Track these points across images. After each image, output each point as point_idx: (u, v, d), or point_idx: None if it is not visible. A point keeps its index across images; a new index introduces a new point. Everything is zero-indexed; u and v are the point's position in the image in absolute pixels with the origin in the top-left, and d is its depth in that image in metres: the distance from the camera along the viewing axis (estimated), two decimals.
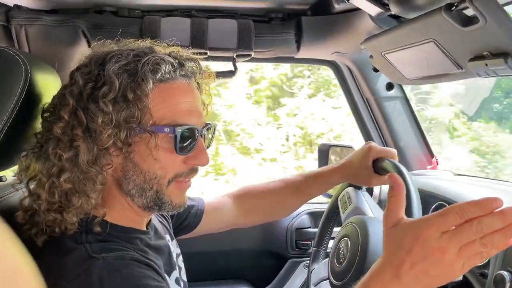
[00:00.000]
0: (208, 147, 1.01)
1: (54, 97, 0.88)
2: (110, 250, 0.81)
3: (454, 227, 0.67)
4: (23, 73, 0.85)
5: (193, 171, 0.94)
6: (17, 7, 1.26)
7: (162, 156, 0.88)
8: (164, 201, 0.92)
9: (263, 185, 1.36)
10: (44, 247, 0.85)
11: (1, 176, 1.04)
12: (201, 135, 0.93)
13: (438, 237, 0.67)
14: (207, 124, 0.97)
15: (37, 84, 0.88)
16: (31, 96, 0.87)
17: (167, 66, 0.87)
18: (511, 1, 0.94)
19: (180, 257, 1.13)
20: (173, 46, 0.98)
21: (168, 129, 0.86)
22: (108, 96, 0.82)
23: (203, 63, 1.00)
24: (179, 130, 0.86)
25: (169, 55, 0.91)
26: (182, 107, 0.89)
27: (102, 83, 0.83)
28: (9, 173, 1.15)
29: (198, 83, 0.97)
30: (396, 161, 1.13)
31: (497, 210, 0.66)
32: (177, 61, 0.90)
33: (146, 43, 0.95)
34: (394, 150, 1.21)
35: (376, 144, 1.23)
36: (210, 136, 1.02)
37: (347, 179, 1.29)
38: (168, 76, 0.88)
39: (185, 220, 1.25)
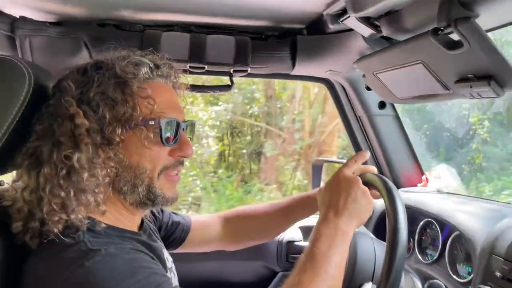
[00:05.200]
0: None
1: (47, 106, 0.92)
2: (109, 244, 0.84)
3: None
4: (27, 81, 0.88)
5: (179, 163, 1.00)
6: (23, 18, 1.30)
7: (149, 149, 0.93)
8: (156, 194, 0.96)
9: (252, 208, 1.43)
10: (40, 247, 0.87)
11: (0, 181, 1.06)
12: (183, 128, 0.99)
13: (350, 174, 1.04)
14: (187, 120, 1.03)
15: (40, 93, 0.91)
16: (34, 104, 0.90)
17: (145, 67, 0.95)
18: (494, 28, 0.99)
19: (173, 265, 1.15)
20: (171, 60, 1.03)
21: (153, 121, 0.92)
22: (97, 99, 0.89)
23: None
24: (163, 122, 0.93)
25: (145, 58, 0.98)
26: (163, 103, 0.95)
27: (92, 87, 0.90)
28: (9, 178, 1.17)
29: (172, 83, 1.03)
30: (382, 176, 1.16)
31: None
32: (152, 63, 0.97)
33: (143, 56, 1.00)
34: (373, 168, 1.18)
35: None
36: (190, 132, 1.07)
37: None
38: (147, 76, 0.95)
39: (173, 234, 1.29)
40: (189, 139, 1.04)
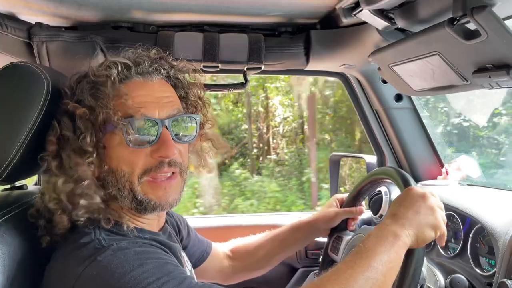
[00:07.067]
0: (185, 138, 0.99)
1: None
2: (122, 239, 0.86)
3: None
4: (45, 86, 0.90)
5: (162, 164, 0.93)
6: (39, 24, 1.32)
7: (124, 152, 0.91)
8: (140, 199, 0.93)
9: (254, 241, 1.45)
10: (59, 247, 0.90)
11: (23, 185, 1.08)
12: (166, 126, 0.92)
13: (420, 190, 0.99)
14: (174, 115, 0.95)
15: (58, 97, 0.93)
16: (53, 108, 0.91)
17: (118, 67, 0.92)
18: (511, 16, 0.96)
19: (193, 271, 1.16)
20: (184, 59, 1.03)
21: (124, 123, 0.88)
22: (77, 107, 0.90)
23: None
24: (123, 123, 0.88)
25: (124, 57, 0.96)
26: (135, 101, 0.90)
27: (74, 97, 0.92)
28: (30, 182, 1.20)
29: (169, 77, 1.00)
30: (399, 169, 1.18)
31: None
32: (131, 61, 0.95)
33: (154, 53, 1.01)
34: (361, 209, 1.36)
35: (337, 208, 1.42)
36: (180, 128, 0.98)
37: (318, 235, 1.45)
38: (122, 75, 0.92)
39: (195, 252, 1.32)
40: (177, 137, 0.96)
